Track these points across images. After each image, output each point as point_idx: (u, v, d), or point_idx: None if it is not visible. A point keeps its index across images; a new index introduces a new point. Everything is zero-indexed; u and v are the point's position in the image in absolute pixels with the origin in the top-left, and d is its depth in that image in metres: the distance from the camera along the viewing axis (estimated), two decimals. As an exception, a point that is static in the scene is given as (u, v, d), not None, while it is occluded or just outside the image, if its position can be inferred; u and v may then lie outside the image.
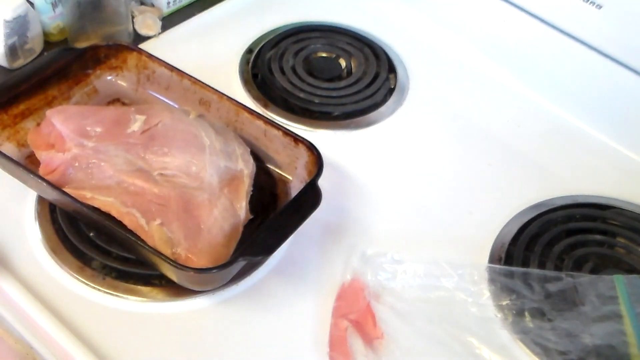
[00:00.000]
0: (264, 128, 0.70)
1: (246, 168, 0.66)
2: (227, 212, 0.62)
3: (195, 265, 0.57)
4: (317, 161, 0.65)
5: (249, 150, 0.68)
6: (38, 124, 0.69)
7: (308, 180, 0.64)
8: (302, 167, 0.68)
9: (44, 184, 0.60)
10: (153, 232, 0.59)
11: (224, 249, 0.60)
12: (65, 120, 0.66)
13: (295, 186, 0.68)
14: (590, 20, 0.79)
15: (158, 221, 0.59)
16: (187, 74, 0.73)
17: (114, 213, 0.59)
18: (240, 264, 0.57)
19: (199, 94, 0.72)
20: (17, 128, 0.68)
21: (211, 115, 0.72)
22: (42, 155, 0.65)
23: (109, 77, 0.75)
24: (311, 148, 0.67)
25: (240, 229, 0.63)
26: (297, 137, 0.68)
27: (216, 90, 0.72)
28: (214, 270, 0.55)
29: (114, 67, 0.75)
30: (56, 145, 0.65)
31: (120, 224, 0.59)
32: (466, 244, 0.68)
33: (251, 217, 0.64)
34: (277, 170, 0.70)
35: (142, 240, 0.58)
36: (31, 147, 0.67)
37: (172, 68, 0.73)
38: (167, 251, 0.58)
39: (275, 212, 0.66)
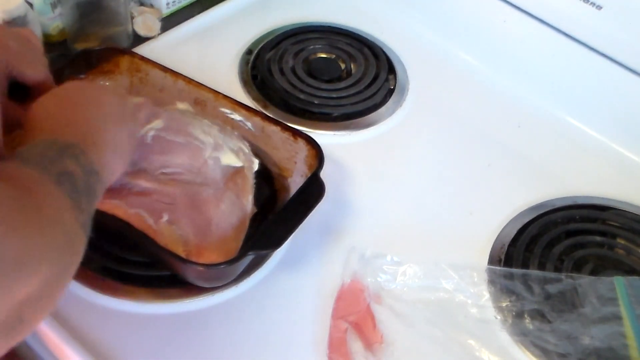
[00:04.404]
0: (262, 124, 0.70)
1: (247, 162, 0.66)
2: (234, 206, 0.62)
3: (207, 260, 0.57)
4: (317, 154, 0.65)
5: (247, 145, 0.68)
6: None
7: (309, 174, 0.64)
8: (302, 161, 0.68)
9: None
10: (162, 230, 0.59)
11: (234, 242, 0.60)
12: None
13: (296, 181, 0.68)
14: (590, 21, 0.79)
15: (166, 218, 0.59)
16: (181, 74, 0.72)
17: (120, 215, 0.59)
18: (249, 258, 0.57)
19: (194, 94, 0.72)
20: (12, 135, 0.68)
21: (207, 114, 0.72)
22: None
23: (102, 82, 0.73)
24: (311, 142, 0.66)
25: (247, 222, 0.63)
26: (296, 132, 0.68)
27: (211, 89, 0.71)
28: (223, 265, 0.55)
29: (106, 72, 0.73)
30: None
31: (128, 225, 0.58)
32: (466, 245, 0.68)
33: (255, 210, 0.64)
34: (276, 165, 0.70)
35: (153, 240, 0.57)
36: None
37: (166, 69, 0.72)
38: (178, 249, 0.57)
39: (280, 205, 0.66)
